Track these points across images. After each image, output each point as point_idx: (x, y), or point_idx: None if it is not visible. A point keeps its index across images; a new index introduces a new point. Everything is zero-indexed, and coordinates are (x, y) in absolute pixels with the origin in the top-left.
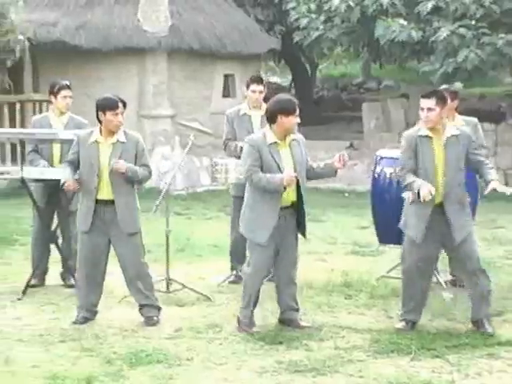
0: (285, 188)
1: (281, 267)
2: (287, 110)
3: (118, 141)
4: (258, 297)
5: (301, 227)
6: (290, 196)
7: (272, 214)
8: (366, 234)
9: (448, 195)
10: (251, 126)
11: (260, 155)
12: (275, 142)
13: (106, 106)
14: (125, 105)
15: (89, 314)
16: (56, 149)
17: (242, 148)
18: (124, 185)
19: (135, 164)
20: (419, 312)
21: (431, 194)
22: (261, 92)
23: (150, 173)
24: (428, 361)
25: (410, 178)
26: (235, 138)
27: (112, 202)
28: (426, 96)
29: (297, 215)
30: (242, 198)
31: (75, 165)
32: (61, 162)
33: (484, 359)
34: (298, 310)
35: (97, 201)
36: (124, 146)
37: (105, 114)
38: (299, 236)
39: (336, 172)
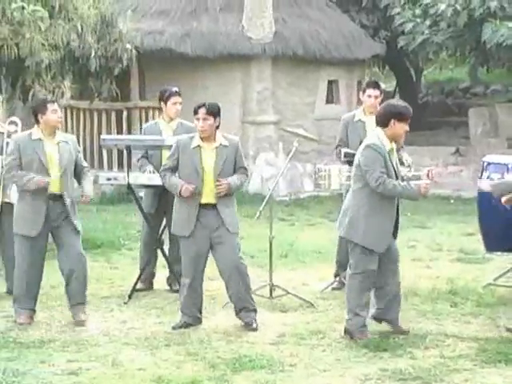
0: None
1: (389, 275)
2: (402, 116)
3: (220, 145)
4: (368, 303)
5: (396, 231)
6: None
7: (390, 223)
8: (472, 240)
9: None
10: (364, 132)
11: (384, 161)
12: (391, 149)
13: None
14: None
15: (191, 319)
16: (165, 154)
17: (345, 154)
18: None
19: (234, 166)
20: None
21: None
22: (377, 97)
23: (247, 174)
24: None
25: None
26: (346, 144)
27: (213, 205)
28: None
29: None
30: None
31: (176, 170)
32: None
33: None
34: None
35: (199, 205)
36: (227, 149)
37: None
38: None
39: None
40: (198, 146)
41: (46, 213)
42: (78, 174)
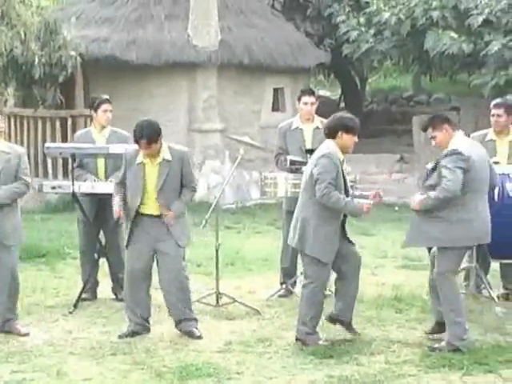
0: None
1: (348, 278)
2: (348, 127)
3: (163, 159)
4: (321, 310)
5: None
6: None
7: (336, 233)
8: (417, 248)
9: None
10: (303, 140)
11: (337, 172)
12: (343, 160)
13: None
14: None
15: (138, 327)
16: (100, 163)
17: (291, 161)
18: (172, 200)
19: (180, 180)
20: None
21: None
22: (313, 103)
23: (195, 190)
24: (480, 376)
25: None
26: (287, 151)
27: (159, 216)
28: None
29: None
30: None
31: (125, 185)
32: (106, 175)
33: None
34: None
35: (143, 215)
36: (170, 164)
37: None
38: None
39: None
40: (142, 162)
41: None
42: None
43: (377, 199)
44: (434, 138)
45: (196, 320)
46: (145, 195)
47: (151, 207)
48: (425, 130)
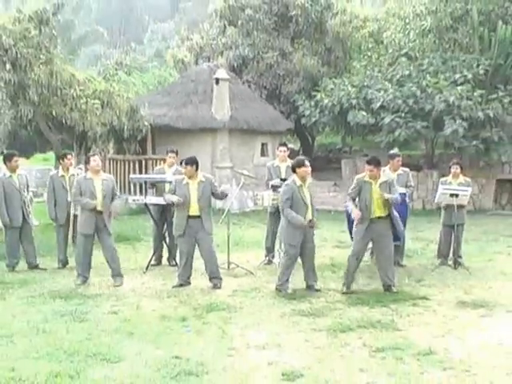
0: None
1: (306, 255)
2: (300, 164)
3: (200, 181)
4: (291, 272)
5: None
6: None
7: (300, 229)
8: (344, 235)
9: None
10: (280, 172)
11: (292, 193)
12: (301, 185)
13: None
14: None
15: (183, 282)
16: (167, 186)
17: (272, 185)
18: (206, 206)
19: (210, 192)
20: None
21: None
22: (285, 151)
23: (222, 194)
24: (379, 309)
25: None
26: (271, 179)
27: (198, 216)
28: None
29: None
30: (274, 214)
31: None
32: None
33: (411, 307)
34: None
35: (188, 216)
36: (204, 183)
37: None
38: None
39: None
40: (187, 182)
41: (95, 220)
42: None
43: (310, 224)
44: (372, 171)
45: (221, 279)
46: (190, 203)
47: (193, 210)
48: (369, 163)
